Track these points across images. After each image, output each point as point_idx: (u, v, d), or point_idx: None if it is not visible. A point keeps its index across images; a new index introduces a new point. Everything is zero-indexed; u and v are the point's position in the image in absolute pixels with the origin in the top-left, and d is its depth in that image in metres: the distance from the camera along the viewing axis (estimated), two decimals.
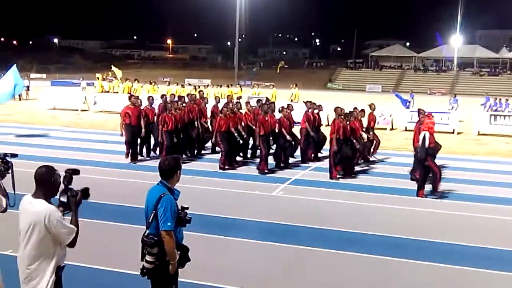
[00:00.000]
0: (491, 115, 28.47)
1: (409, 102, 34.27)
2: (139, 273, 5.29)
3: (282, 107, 16.37)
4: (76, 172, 4.84)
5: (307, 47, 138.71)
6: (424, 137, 12.45)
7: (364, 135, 16.72)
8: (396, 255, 8.70)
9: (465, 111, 32.39)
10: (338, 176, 14.62)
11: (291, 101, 22.62)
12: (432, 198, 12.67)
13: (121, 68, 48.88)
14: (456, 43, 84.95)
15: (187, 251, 5.46)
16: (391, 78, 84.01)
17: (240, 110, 16.85)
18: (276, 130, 15.70)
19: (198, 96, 19.14)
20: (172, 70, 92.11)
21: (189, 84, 48.33)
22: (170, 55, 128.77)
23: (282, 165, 15.91)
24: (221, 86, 39.98)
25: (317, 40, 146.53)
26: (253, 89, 42.55)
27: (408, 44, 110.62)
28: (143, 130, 16.12)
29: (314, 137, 17.11)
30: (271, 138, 15.56)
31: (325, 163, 15.97)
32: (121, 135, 16.27)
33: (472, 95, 42.38)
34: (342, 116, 14.81)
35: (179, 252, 5.31)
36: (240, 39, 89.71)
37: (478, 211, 11.82)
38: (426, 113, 13.81)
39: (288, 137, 15.77)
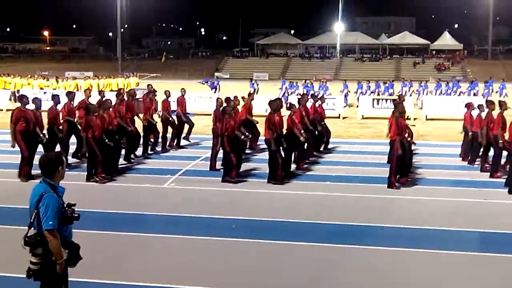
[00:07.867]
0: (373, 99, 28.75)
1: (217, 85, 39.12)
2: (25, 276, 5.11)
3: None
4: None
5: (192, 36, 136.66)
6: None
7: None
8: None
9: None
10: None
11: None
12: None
13: None
14: (338, 30, 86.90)
15: (78, 249, 5.29)
16: (278, 66, 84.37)
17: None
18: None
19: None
20: (50, 63, 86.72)
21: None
22: (48, 47, 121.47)
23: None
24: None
25: (202, 30, 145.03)
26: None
27: (292, 32, 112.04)
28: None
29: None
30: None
31: None
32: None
33: (355, 80, 43.06)
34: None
35: (67, 251, 5.15)
36: (122, 30, 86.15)
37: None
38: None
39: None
